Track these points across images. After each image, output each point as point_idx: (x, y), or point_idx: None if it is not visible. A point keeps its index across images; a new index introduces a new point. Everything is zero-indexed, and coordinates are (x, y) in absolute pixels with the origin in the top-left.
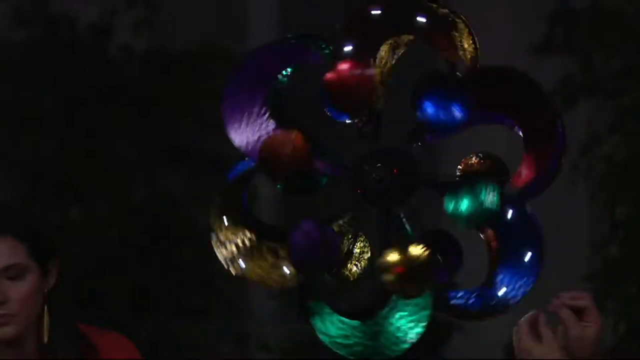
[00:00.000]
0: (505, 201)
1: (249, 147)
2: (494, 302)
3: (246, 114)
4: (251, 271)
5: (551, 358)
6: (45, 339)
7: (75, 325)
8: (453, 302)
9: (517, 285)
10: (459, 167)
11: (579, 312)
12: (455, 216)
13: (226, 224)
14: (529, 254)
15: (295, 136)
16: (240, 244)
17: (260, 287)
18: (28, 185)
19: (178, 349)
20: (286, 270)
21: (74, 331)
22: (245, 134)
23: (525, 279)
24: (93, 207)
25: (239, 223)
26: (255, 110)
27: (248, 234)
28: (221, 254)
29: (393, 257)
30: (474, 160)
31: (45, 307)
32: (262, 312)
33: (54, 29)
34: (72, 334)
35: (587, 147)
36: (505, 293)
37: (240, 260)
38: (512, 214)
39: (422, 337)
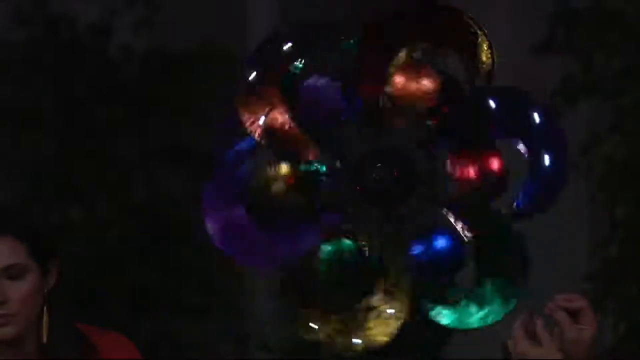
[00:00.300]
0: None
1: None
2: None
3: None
4: (373, 336)
5: None
6: (45, 339)
7: (75, 325)
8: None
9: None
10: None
11: (574, 315)
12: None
13: (315, 327)
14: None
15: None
16: (341, 329)
17: (260, 287)
18: (28, 185)
19: (178, 349)
20: (391, 310)
21: (73, 331)
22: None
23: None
24: (93, 207)
25: (322, 312)
26: (228, 204)
27: (337, 317)
28: (335, 349)
29: (284, 169)
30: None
31: (45, 307)
32: (262, 312)
33: (54, 29)
34: (71, 334)
35: (587, 147)
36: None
37: (353, 341)
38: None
39: (422, 338)
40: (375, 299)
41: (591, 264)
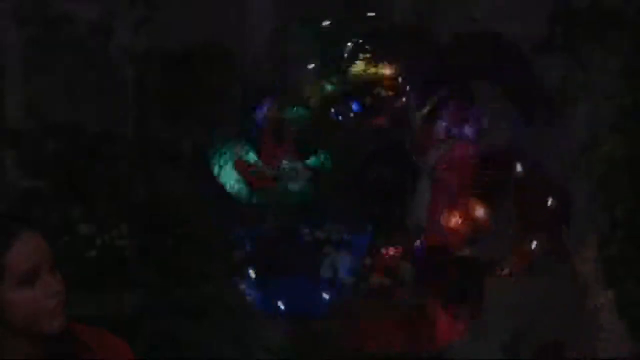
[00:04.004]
0: None
1: None
2: None
3: None
4: None
5: None
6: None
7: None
8: None
9: None
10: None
11: None
12: None
13: None
14: None
15: None
16: None
17: None
18: (28, 185)
19: (178, 349)
20: None
21: (67, 330)
22: None
23: None
24: (93, 207)
25: None
26: None
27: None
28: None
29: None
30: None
31: None
32: (262, 312)
33: (54, 29)
34: (66, 333)
35: (587, 147)
36: None
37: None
38: None
39: None
40: None
41: None
